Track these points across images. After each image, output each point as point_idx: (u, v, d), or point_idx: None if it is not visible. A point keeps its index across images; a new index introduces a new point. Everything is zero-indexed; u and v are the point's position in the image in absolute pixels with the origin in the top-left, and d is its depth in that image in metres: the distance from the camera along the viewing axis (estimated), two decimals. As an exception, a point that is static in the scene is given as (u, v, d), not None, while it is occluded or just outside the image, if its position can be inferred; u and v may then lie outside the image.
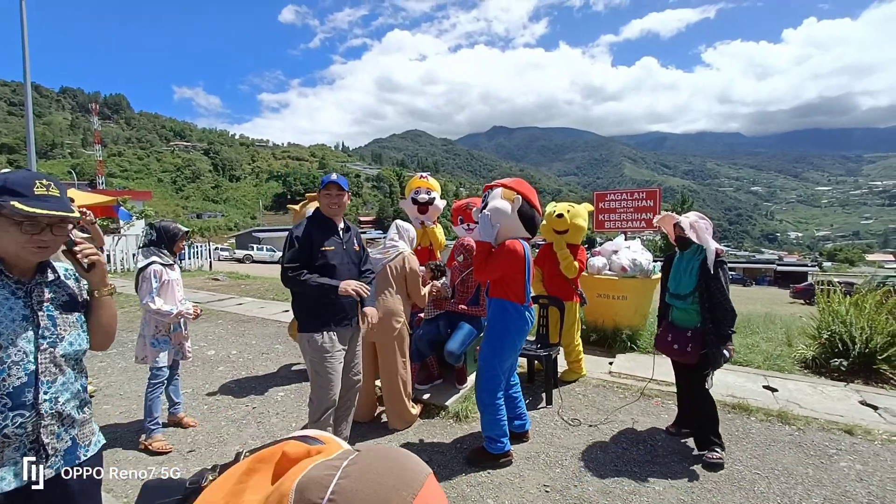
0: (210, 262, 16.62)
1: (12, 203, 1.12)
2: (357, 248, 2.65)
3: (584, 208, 4.26)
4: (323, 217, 2.54)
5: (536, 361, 4.04)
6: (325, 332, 2.44)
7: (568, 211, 4.13)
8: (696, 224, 2.78)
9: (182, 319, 3.04)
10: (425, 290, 3.35)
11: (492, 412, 2.74)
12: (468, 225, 4.33)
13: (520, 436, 3.02)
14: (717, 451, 2.79)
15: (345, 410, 2.69)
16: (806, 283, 27.13)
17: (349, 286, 2.34)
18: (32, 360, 1.17)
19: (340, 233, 2.56)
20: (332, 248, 2.47)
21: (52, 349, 1.22)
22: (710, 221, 2.85)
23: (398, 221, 3.42)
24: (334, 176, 2.53)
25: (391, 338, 3.09)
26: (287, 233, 2.55)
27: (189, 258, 15.31)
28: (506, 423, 2.78)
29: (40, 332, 1.20)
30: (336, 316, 2.47)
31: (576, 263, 3.95)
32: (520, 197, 2.68)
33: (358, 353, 2.72)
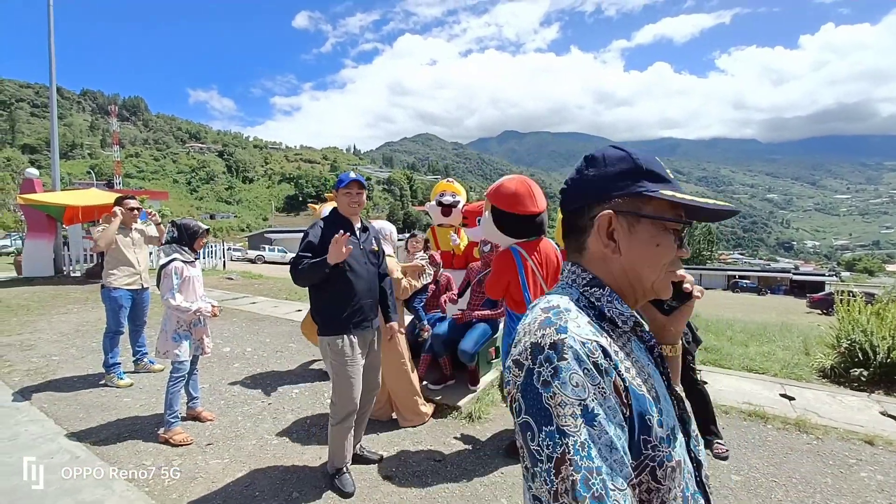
0: (224, 261, 16.87)
1: (664, 192, 0.63)
2: (375, 248, 2.60)
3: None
4: (339, 217, 2.50)
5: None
6: (345, 336, 2.38)
7: None
8: None
9: (201, 316, 3.11)
10: (404, 279, 3.18)
11: None
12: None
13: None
14: (720, 444, 2.92)
15: (361, 414, 2.65)
16: (823, 293, 26.45)
17: (338, 248, 2.21)
18: (689, 463, 0.72)
19: (357, 233, 2.51)
20: (350, 247, 2.41)
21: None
22: None
23: (377, 222, 3.26)
24: (353, 174, 2.50)
25: (385, 337, 2.99)
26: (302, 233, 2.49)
27: (203, 257, 15.54)
28: None
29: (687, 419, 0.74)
30: (354, 319, 2.41)
31: None
32: (487, 202, 2.74)
33: (378, 357, 2.68)
